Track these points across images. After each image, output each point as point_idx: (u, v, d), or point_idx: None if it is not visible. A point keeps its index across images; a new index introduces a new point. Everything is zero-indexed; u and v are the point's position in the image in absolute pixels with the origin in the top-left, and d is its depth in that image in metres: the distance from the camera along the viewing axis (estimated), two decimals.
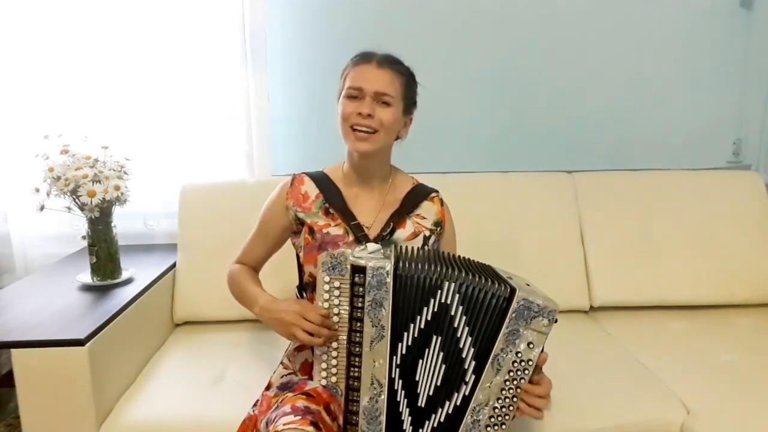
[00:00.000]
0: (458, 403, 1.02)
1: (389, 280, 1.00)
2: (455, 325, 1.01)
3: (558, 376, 1.41)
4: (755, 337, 1.64)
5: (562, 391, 1.35)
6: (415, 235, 1.24)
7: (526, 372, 1.00)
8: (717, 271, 1.82)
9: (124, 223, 1.67)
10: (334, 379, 1.06)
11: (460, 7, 1.94)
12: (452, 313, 1.01)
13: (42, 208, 1.49)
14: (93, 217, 1.50)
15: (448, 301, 1.01)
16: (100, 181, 1.47)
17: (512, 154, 2.05)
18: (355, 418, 1.03)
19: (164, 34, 1.83)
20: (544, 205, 1.84)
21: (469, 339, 1.01)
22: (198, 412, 1.27)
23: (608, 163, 2.05)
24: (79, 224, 1.74)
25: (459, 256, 1.13)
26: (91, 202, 1.45)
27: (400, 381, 1.03)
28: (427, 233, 1.26)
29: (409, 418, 1.04)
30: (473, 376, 1.01)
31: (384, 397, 1.02)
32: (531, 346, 0.99)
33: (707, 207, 1.87)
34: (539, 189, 1.87)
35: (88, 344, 1.22)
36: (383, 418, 1.03)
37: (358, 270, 1.01)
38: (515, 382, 1.01)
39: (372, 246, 1.07)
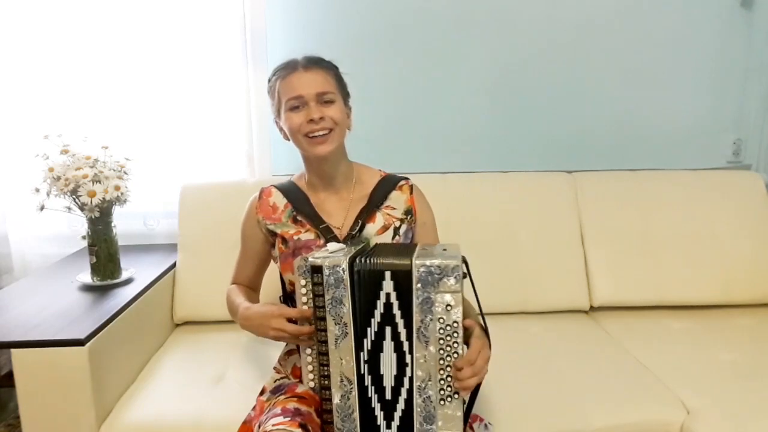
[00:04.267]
0: (408, 387, 1.02)
1: (346, 276, 1.00)
2: (394, 312, 1.01)
3: (558, 375, 1.42)
4: (755, 337, 1.64)
5: (562, 391, 1.36)
6: (385, 228, 1.24)
7: (456, 335, 0.99)
8: (717, 271, 1.81)
9: (124, 223, 1.67)
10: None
11: (460, 7, 1.94)
12: (392, 300, 1.01)
13: (42, 208, 1.49)
14: (93, 217, 1.50)
15: (389, 290, 1.01)
16: (100, 181, 1.47)
17: (512, 154, 2.05)
18: (330, 417, 1.04)
19: (164, 34, 1.83)
20: (544, 205, 1.84)
21: (402, 321, 1.01)
22: (198, 412, 1.27)
23: (608, 163, 2.04)
24: (77, 225, 1.74)
25: (397, 244, 1.13)
26: (91, 202, 1.45)
27: (369, 377, 1.03)
28: (397, 224, 1.25)
29: (382, 413, 1.04)
30: (410, 356, 1.01)
31: (355, 393, 1.02)
32: (449, 308, 0.98)
33: (707, 207, 1.87)
34: (539, 189, 1.87)
35: (88, 344, 1.22)
36: (356, 415, 1.03)
37: (316, 270, 1.01)
38: (449, 348, 0.99)
39: (333, 245, 1.07)
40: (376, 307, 1.02)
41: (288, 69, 1.20)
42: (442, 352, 0.99)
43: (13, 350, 1.21)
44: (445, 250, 1.03)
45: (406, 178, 1.33)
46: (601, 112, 2.05)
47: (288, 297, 1.29)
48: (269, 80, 1.24)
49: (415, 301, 0.98)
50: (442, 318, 0.98)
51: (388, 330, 1.02)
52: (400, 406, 1.03)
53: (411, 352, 1.00)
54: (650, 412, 1.30)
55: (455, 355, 0.99)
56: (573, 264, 1.81)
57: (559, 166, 2.01)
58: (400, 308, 1.00)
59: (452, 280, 0.97)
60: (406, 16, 1.94)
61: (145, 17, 1.82)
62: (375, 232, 1.23)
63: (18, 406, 1.22)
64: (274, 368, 1.28)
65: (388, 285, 1.01)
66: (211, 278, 1.69)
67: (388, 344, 1.02)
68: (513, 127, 2.04)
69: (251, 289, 1.37)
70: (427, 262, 0.97)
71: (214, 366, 1.47)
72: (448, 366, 0.99)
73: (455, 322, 0.98)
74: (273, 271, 1.36)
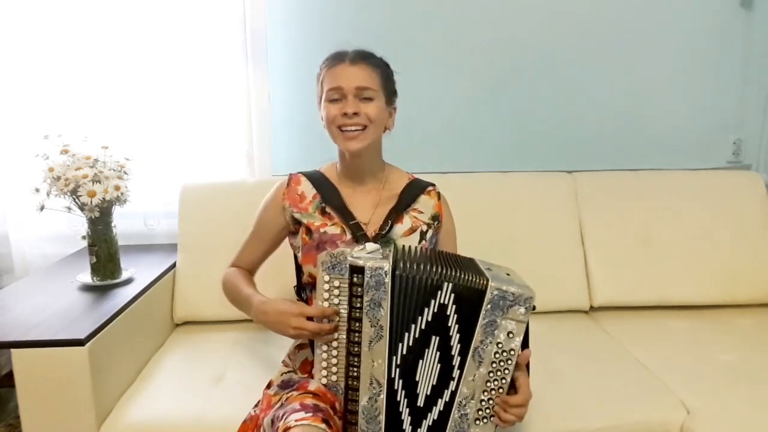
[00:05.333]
0: (447, 399, 1.02)
1: (387, 280, 1.00)
2: (449, 324, 1.01)
3: (558, 375, 1.42)
4: (755, 337, 1.64)
5: (562, 391, 1.36)
6: (412, 230, 1.24)
7: (510, 362, 1.00)
8: (717, 271, 1.81)
9: (124, 223, 1.67)
10: (334, 378, 1.06)
11: (460, 7, 1.94)
12: (448, 312, 1.01)
13: (42, 208, 1.49)
14: (93, 217, 1.50)
15: (446, 302, 1.01)
16: (100, 181, 1.47)
17: (512, 154, 2.05)
18: (354, 417, 1.03)
19: (165, 33, 1.83)
20: (544, 205, 1.84)
21: (458, 336, 1.01)
22: (198, 412, 1.27)
23: (608, 163, 2.05)
24: (78, 225, 1.74)
25: (447, 254, 1.12)
26: (91, 202, 1.45)
27: (401, 381, 1.03)
28: (424, 228, 1.26)
29: (409, 418, 1.04)
30: (458, 372, 1.01)
31: (383, 396, 1.02)
32: (511, 335, 0.99)
33: (707, 207, 1.87)
34: (539, 189, 1.87)
35: (88, 344, 1.22)
36: (382, 417, 1.03)
37: (357, 270, 1.01)
38: (499, 374, 1.00)
39: (371, 246, 1.06)
40: (422, 315, 1.01)
41: (336, 60, 1.20)
42: (491, 375, 1.00)
43: (13, 350, 1.21)
44: (508, 274, 1.03)
45: (433, 184, 1.34)
46: (601, 113, 2.05)
47: (302, 288, 1.29)
48: (320, 67, 1.24)
49: (480, 321, 0.99)
50: (501, 343, 0.99)
51: (434, 340, 1.01)
52: (432, 416, 1.03)
53: (461, 368, 1.01)
54: (650, 412, 1.30)
55: (503, 381, 1.00)
56: (573, 264, 1.82)
57: (559, 166, 2.01)
58: (458, 323, 1.00)
59: (522, 310, 0.98)
60: (406, 16, 1.94)
61: (145, 17, 1.81)
62: (402, 233, 1.23)
63: (18, 406, 1.22)
64: (282, 362, 1.28)
65: (445, 297, 1.01)
66: (211, 278, 1.68)
67: (431, 353, 1.02)
68: (513, 127, 2.04)
69: (250, 272, 1.36)
70: (504, 287, 0.98)
71: (214, 366, 1.47)
72: (492, 389, 1.01)
73: (512, 349, 0.99)
74: (287, 261, 1.34)
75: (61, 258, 1.82)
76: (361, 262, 1.01)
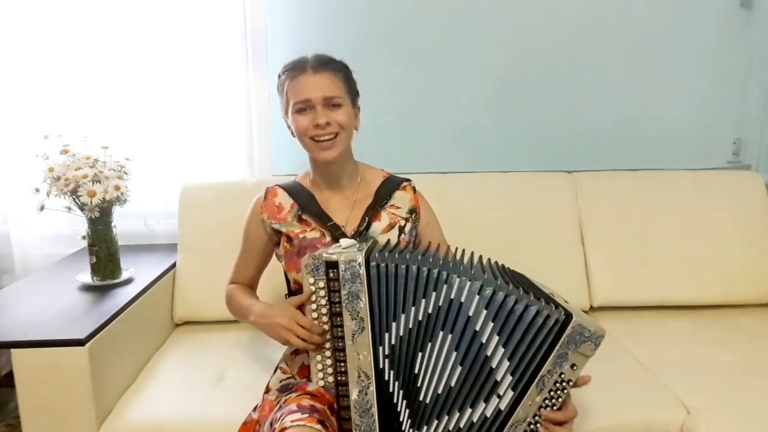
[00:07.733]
0: (488, 415, 1.01)
1: (362, 271, 1.01)
2: (476, 328, 0.99)
3: None
4: (755, 337, 1.64)
5: None
6: (390, 226, 1.25)
7: (565, 392, 1.00)
8: (717, 271, 1.81)
9: (124, 223, 1.67)
10: (330, 379, 1.07)
11: (461, 6, 1.94)
12: (470, 313, 1.00)
13: (42, 208, 1.49)
14: (93, 217, 1.50)
15: (462, 299, 1.00)
16: (100, 181, 1.47)
17: (512, 154, 2.05)
18: (347, 413, 1.04)
19: (165, 33, 1.83)
20: (544, 205, 1.84)
21: (501, 350, 0.99)
22: (198, 412, 1.27)
23: (608, 163, 2.04)
24: (79, 224, 1.74)
25: (489, 261, 1.12)
26: (91, 202, 1.45)
27: (391, 372, 1.03)
28: (403, 223, 1.27)
29: (407, 411, 1.03)
30: (512, 392, 1.00)
31: (373, 388, 1.02)
32: (574, 368, 0.99)
33: (707, 207, 1.87)
34: (539, 189, 1.86)
35: (88, 344, 1.22)
36: (375, 410, 1.03)
37: (331, 265, 1.02)
38: (553, 401, 1.01)
39: (346, 242, 1.08)
40: (416, 305, 1.01)
41: (297, 70, 1.20)
42: (546, 401, 1.00)
43: (13, 350, 1.21)
44: (566, 301, 1.04)
45: (408, 180, 1.34)
46: (601, 112, 2.05)
47: (292, 295, 1.29)
48: (279, 76, 1.25)
49: (555, 352, 0.98)
50: (564, 374, 0.99)
51: (442, 336, 1.00)
52: (455, 422, 1.01)
53: (517, 390, 0.99)
54: (650, 412, 1.30)
55: (554, 408, 1.01)
56: (573, 264, 1.81)
57: (559, 166, 2.01)
58: (498, 334, 0.99)
59: (592, 346, 0.99)
60: (407, 16, 1.94)
61: (145, 17, 1.81)
62: (381, 230, 1.24)
63: (18, 406, 1.22)
64: (280, 368, 1.28)
65: (459, 293, 1.00)
66: (211, 278, 1.69)
67: (438, 348, 1.01)
68: (513, 127, 2.04)
69: (251, 288, 1.37)
70: (584, 324, 0.98)
71: (214, 366, 1.47)
72: (541, 415, 1.01)
73: (570, 381, 1.00)
74: (277, 270, 1.36)
75: (61, 258, 1.82)
76: (334, 257, 1.02)
